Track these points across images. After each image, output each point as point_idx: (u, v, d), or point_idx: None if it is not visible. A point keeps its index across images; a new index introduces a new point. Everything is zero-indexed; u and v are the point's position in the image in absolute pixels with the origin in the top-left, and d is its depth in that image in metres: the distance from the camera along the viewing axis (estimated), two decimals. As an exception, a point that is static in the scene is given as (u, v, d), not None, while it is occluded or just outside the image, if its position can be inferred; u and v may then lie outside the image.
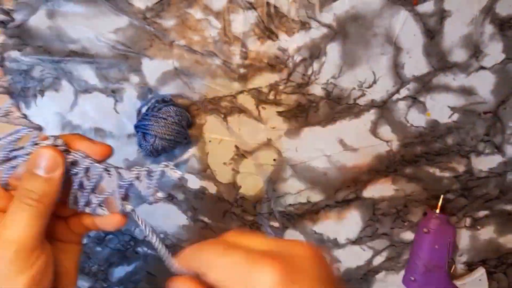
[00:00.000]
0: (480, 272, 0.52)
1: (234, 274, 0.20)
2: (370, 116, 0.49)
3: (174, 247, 0.55)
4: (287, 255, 0.21)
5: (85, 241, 0.55)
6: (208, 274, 0.22)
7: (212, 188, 0.52)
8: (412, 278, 0.51)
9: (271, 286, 0.19)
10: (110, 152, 0.27)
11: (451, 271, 0.52)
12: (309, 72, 0.48)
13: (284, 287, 0.20)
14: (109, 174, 0.25)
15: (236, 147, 0.51)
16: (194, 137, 0.50)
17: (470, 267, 0.53)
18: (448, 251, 0.50)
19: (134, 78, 0.49)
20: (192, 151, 0.50)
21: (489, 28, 0.46)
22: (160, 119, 0.45)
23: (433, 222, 0.49)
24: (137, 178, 0.25)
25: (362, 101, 0.49)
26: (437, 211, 0.50)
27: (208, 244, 0.23)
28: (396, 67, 0.48)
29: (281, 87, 0.49)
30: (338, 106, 0.49)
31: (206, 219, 0.53)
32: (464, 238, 0.52)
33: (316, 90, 0.48)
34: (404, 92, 0.48)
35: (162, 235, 0.54)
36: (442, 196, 0.50)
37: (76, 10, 0.48)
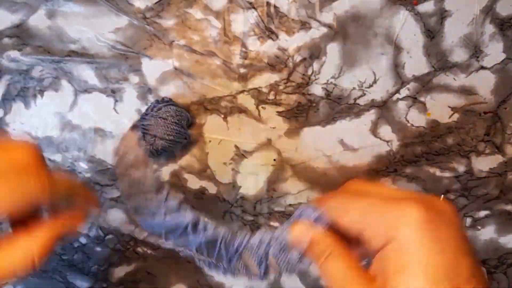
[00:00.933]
0: (480, 272, 0.52)
1: (372, 214, 0.20)
2: (370, 116, 0.49)
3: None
4: (426, 200, 0.20)
5: (84, 241, 0.55)
6: (342, 218, 0.21)
7: (212, 188, 0.52)
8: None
9: (417, 224, 0.18)
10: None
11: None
12: (309, 72, 0.48)
13: (430, 226, 0.18)
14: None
15: (236, 147, 0.51)
16: (194, 137, 0.50)
17: (470, 267, 0.53)
18: (448, 251, 0.50)
19: (134, 78, 0.49)
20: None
21: (489, 28, 0.46)
22: (160, 119, 0.45)
23: (433, 222, 0.49)
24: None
25: (362, 101, 0.49)
26: (437, 211, 0.50)
27: (336, 193, 0.22)
28: (396, 67, 0.47)
29: (281, 87, 0.49)
30: (338, 106, 0.49)
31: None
32: (464, 238, 0.52)
33: (316, 90, 0.48)
34: (404, 92, 0.48)
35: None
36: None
37: (76, 10, 0.48)
